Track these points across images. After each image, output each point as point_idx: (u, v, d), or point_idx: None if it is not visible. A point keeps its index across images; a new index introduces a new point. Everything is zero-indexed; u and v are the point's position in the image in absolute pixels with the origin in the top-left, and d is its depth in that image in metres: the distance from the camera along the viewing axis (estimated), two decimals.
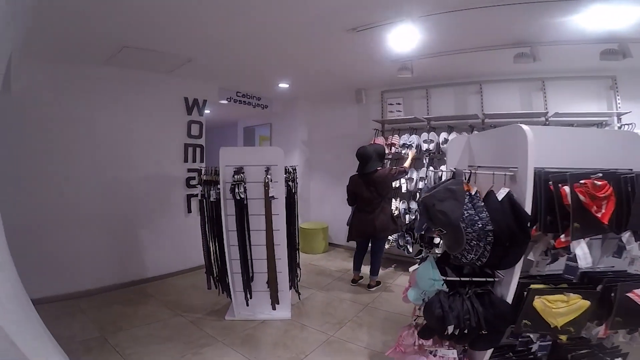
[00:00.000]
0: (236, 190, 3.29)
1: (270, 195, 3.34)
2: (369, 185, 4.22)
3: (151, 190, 4.75)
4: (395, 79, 4.88)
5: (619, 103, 4.44)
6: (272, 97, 6.54)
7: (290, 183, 3.79)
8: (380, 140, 5.30)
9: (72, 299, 3.95)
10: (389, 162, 5.34)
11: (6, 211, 1.75)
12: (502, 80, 5.00)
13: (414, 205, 5.08)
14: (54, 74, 3.91)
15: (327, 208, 6.63)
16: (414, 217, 4.98)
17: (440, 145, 4.79)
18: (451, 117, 5.01)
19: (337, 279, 4.93)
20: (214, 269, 3.68)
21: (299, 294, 4.12)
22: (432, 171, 4.83)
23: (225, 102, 5.86)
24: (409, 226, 5.12)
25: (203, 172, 3.64)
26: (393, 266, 5.35)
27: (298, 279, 4.12)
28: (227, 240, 3.41)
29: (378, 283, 4.58)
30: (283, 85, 5.69)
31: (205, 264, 3.73)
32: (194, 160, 5.19)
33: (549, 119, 4.54)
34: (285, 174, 3.66)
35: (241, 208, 3.36)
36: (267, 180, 3.35)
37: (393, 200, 5.07)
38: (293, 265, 3.94)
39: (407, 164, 4.40)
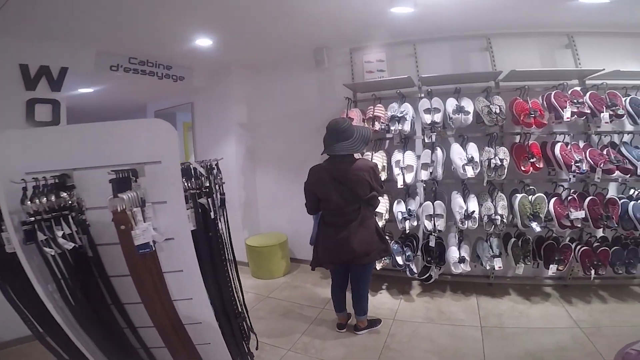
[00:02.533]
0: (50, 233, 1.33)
1: (140, 243, 1.36)
2: (339, 182, 2.42)
3: None
4: (370, 32, 3.37)
5: None
6: (190, 65, 4.30)
7: (206, 199, 1.83)
8: (355, 114, 3.42)
9: None
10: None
11: None
12: (516, 34, 3.52)
13: (414, 206, 3.29)
14: None
15: (283, 213, 4.57)
16: (416, 223, 3.22)
17: (451, 116, 3.03)
18: (465, 78, 3.26)
19: (315, 322, 3.06)
20: None
21: None
22: (439, 152, 3.15)
23: (113, 72, 3.58)
24: (408, 236, 3.35)
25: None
26: (384, 287, 3.56)
27: (246, 337, 2.23)
28: None
29: (373, 323, 2.85)
30: (203, 43, 3.54)
31: None
32: None
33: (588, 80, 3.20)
34: (192, 179, 1.79)
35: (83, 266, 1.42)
36: (123, 210, 1.37)
37: (383, 199, 3.24)
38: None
39: None
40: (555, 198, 3.03)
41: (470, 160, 2.95)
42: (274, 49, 4.02)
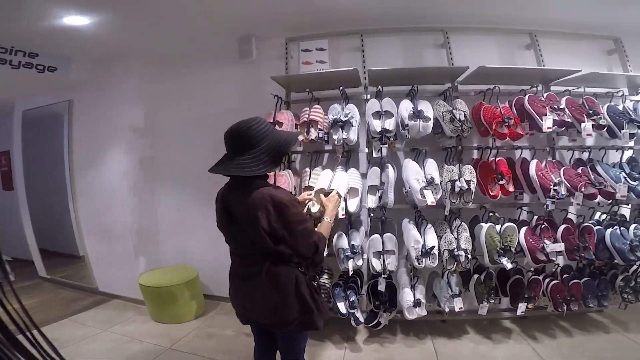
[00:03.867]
0: None
1: None
2: (236, 216, 1.39)
3: None
4: (311, 18, 2.49)
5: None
6: (68, 53, 3.01)
7: None
8: (285, 117, 2.39)
9: None
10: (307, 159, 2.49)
11: None
12: (477, 29, 2.79)
13: (359, 240, 2.32)
14: None
15: (195, 241, 3.24)
16: (361, 262, 2.26)
17: (406, 122, 2.09)
18: (422, 74, 2.37)
19: None
20: None
21: None
22: (390, 171, 2.21)
23: None
24: (350, 277, 2.39)
25: None
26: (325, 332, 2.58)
27: None
28: None
29: None
30: (79, 22, 2.38)
31: None
32: None
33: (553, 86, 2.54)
34: None
35: None
36: None
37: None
38: None
39: (329, 213, 1.67)
40: (525, 228, 2.24)
41: (430, 183, 2.04)
42: (186, 37, 2.91)
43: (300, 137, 2.31)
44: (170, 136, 3.22)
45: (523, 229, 2.28)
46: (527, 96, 2.28)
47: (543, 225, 2.26)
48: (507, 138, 2.16)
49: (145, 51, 3.11)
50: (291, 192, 1.39)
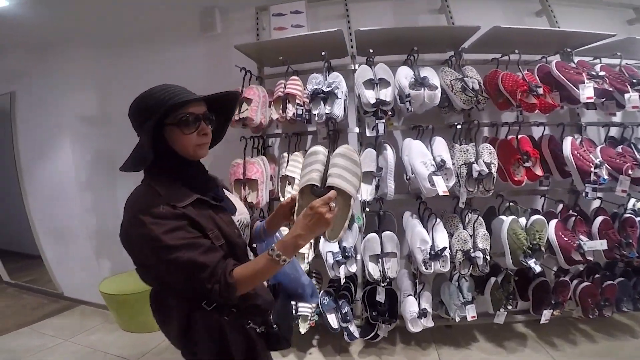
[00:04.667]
0: None
1: None
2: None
3: None
4: None
5: None
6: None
7: None
8: (254, 92, 1.83)
9: None
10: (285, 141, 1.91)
11: None
12: None
13: (351, 241, 1.72)
14: None
15: None
16: (355, 267, 1.67)
17: (407, 92, 1.50)
18: (421, 38, 1.83)
19: None
20: None
21: None
22: (389, 153, 1.60)
23: None
24: (341, 284, 1.79)
25: None
26: (314, 342, 2.05)
27: None
28: None
29: None
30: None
31: None
32: None
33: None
34: None
35: None
36: None
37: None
38: None
39: (290, 242, 0.80)
40: (556, 221, 1.68)
41: (441, 167, 1.46)
42: (140, 13, 2.36)
43: (275, 115, 1.72)
44: (128, 124, 2.56)
45: (552, 223, 1.73)
46: (554, 62, 1.72)
47: (576, 218, 1.70)
48: (537, 110, 1.58)
49: (93, 33, 2.51)
50: (158, 194, 0.77)
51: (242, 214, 0.94)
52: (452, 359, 1.92)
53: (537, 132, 1.96)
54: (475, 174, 1.55)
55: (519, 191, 1.90)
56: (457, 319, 1.88)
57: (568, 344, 1.99)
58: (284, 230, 1.78)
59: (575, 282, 1.94)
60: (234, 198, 0.98)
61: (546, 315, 1.89)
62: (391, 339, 2.12)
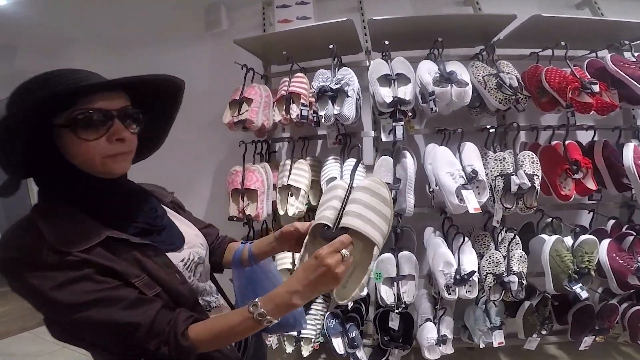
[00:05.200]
0: None
1: None
2: None
3: None
4: None
5: None
6: (8, 41, 2.36)
7: None
8: (255, 92, 1.57)
9: None
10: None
11: None
12: None
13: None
14: None
15: None
16: (366, 291, 1.39)
17: (431, 90, 1.19)
18: (447, 30, 1.52)
19: None
20: None
21: None
22: (409, 162, 1.32)
23: None
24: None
25: None
26: None
27: None
28: None
29: None
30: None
31: None
32: None
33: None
34: None
35: None
36: None
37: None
38: None
39: (281, 300, 0.57)
40: (608, 241, 1.34)
41: (472, 178, 1.16)
42: (144, 14, 2.11)
43: (278, 117, 1.45)
44: None
45: (605, 243, 1.39)
46: (608, 56, 1.37)
47: (635, 237, 1.35)
48: (592, 111, 1.24)
49: (98, 32, 2.30)
50: (40, 235, 0.49)
51: (192, 247, 0.68)
52: None
53: (583, 137, 1.61)
54: (514, 188, 1.24)
55: (562, 205, 1.55)
56: (482, 346, 1.59)
57: None
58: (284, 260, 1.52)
59: (624, 305, 1.60)
60: (185, 225, 0.72)
61: (587, 342, 1.56)
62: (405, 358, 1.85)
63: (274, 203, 1.57)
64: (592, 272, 1.33)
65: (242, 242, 0.81)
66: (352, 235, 0.57)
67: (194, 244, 0.69)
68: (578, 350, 1.66)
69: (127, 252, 0.55)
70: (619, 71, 1.32)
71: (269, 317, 0.53)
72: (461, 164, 1.30)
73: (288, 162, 1.56)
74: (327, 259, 0.52)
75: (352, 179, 0.71)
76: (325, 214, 0.62)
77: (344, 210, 0.61)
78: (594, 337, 1.56)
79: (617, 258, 1.37)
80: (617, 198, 1.66)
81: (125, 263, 0.54)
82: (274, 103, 1.58)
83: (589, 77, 1.40)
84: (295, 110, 1.44)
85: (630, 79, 1.29)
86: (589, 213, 1.57)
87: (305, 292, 0.54)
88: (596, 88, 1.25)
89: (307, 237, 0.63)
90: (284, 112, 1.47)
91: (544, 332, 1.59)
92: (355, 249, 0.57)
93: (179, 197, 0.85)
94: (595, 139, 1.53)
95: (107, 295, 0.50)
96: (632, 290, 1.55)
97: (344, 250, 0.53)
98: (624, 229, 1.53)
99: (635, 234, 1.41)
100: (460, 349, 1.80)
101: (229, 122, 1.50)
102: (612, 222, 1.58)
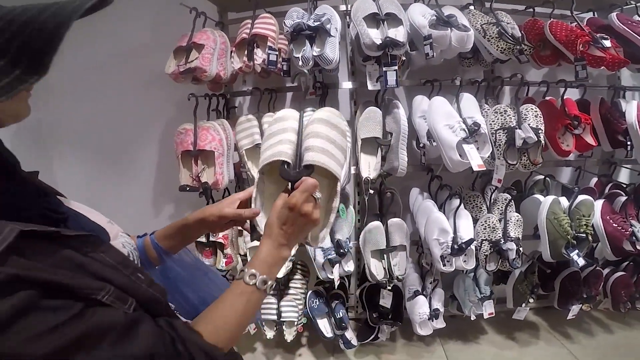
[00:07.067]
0: None
1: None
2: None
3: None
4: None
5: None
6: None
7: None
8: (208, 37, 1.24)
9: None
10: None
11: None
12: None
13: (346, 232, 1.25)
14: None
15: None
16: (352, 266, 1.18)
17: (427, 33, 0.98)
18: None
19: None
20: None
21: None
22: (402, 113, 1.09)
23: None
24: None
25: None
26: (304, 342, 1.57)
27: None
28: None
29: None
30: None
31: None
32: None
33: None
34: None
35: None
36: None
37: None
38: None
39: (270, 254, 0.52)
40: (602, 202, 1.24)
41: (474, 131, 0.97)
42: None
43: (238, 65, 1.17)
44: (64, 90, 1.79)
45: (598, 204, 1.28)
46: (614, 14, 1.25)
47: (628, 199, 1.27)
48: (603, 66, 1.11)
49: None
50: None
51: (117, 238, 0.48)
52: (460, 356, 1.53)
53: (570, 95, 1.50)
54: (519, 142, 1.08)
55: (546, 162, 1.44)
56: (473, 317, 1.48)
57: (583, 334, 1.64)
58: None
59: (606, 270, 1.55)
60: (88, 212, 0.47)
61: (574, 310, 1.50)
62: (391, 335, 1.72)
63: (236, 166, 1.30)
64: (590, 237, 1.23)
65: (138, 237, 0.60)
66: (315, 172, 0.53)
67: (116, 234, 0.48)
68: (550, 312, 1.64)
69: (54, 253, 0.32)
70: (627, 29, 1.21)
71: (270, 282, 0.49)
72: (460, 116, 1.12)
73: (251, 117, 1.26)
74: (304, 208, 0.49)
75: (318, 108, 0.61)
76: (281, 149, 0.54)
77: (303, 145, 0.54)
78: (581, 305, 1.51)
79: (611, 221, 1.28)
80: (597, 155, 1.60)
81: (66, 271, 0.32)
82: (232, 50, 1.27)
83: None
84: (260, 56, 1.16)
85: (638, 37, 1.18)
86: (575, 170, 1.47)
87: (290, 243, 0.52)
88: (607, 43, 1.12)
89: (258, 175, 0.57)
90: (245, 59, 1.18)
91: (531, 301, 1.53)
92: (321, 187, 0.52)
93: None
94: (595, 95, 1.44)
95: (83, 329, 0.30)
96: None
97: (317, 193, 0.50)
98: (608, 188, 1.48)
99: (626, 195, 1.33)
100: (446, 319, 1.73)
101: (174, 71, 1.18)
102: (594, 179, 1.51)
